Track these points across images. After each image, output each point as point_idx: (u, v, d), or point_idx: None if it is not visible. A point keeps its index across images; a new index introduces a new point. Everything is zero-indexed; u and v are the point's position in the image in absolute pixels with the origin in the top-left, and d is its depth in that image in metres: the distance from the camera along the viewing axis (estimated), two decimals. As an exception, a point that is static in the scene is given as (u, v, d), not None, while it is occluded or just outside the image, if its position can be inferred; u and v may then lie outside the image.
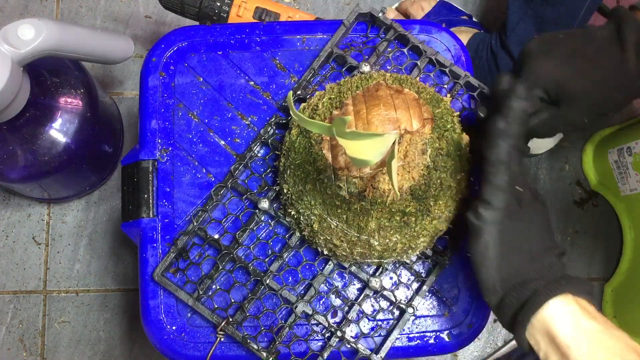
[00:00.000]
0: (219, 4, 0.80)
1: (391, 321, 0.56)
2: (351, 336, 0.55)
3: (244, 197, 0.58)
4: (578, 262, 0.96)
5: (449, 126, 0.53)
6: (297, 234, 0.56)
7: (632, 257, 0.92)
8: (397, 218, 0.51)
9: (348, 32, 0.62)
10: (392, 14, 0.99)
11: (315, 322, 0.56)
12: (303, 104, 0.57)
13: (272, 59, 0.62)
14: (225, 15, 0.80)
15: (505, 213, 0.45)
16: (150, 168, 0.59)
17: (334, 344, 0.55)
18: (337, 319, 0.56)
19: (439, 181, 0.51)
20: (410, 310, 0.55)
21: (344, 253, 0.54)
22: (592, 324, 0.42)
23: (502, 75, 0.51)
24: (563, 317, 0.42)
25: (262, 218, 0.58)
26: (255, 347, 0.54)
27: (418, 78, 0.59)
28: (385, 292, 0.56)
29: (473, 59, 0.87)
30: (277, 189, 0.57)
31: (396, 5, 1.01)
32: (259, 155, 0.59)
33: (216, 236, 0.57)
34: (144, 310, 0.57)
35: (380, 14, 0.61)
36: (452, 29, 0.84)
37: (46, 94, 0.76)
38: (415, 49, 0.61)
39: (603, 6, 0.85)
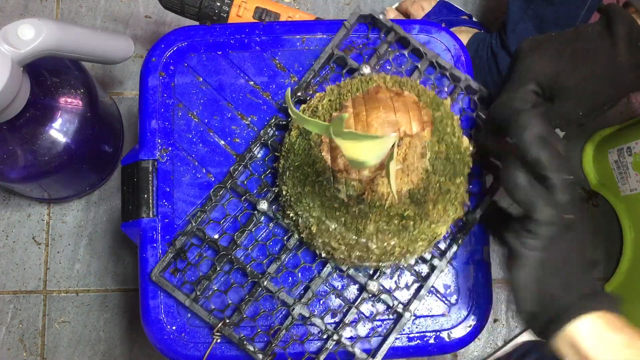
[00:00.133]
0: (219, 4, 0.80)
1: (388, 325, 0.56)
2: (348, 339, 0.55)
3: (243, 198, 0.58)
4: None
5: (448, 130, 0.53)
6: (296, 236, 0.56)
7: (632, 257, 0.92)
8: (396, 222, 0.50)
9: (349, 34, 0.62)
10: (392, 14, 0.99)
11: (312, 324, 0.56)
12: (303, 106, 0.57)
13: (272, 59, 0.62)
14: (225, 15, 0.80)
15: (550, 240, 0.45)
16: (150, 168, 0.59)
17: (330, 347, 0.55)
18: (334, 322, 0.56)
19: (437, 185, 0.51)
20: (407, 314, 0.55)
21: (342, 256, 0.53)
22: (617, 337, 0.43)
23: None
24: (589, 331, 0.44)
25: (261, 219, 0.57)
26: (252, 349, 0.54)
27: (418, 81, 0.59)
28: (382, 296, 0.56)
29: (473, 59, 0.87)
30: (276, 191, 0.57)
31: (396, 5, 1.01)
32: (259, 156, 0.59)
33: (215, 237, 0.57)
34: (144, 310, 0.57)
35: (381, 16, 0.61)
36: (452, 29, 0.84)
37: (46, 94, 0.76)
38: (416, 52, 0.61)
39: (603, 6, 0.85)
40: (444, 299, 0.58)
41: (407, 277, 0.57)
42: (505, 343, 0.93)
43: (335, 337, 0.54)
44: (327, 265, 0.56)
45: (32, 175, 0.78)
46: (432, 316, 0.57)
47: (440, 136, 0.52)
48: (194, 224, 0.56)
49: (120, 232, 0.90)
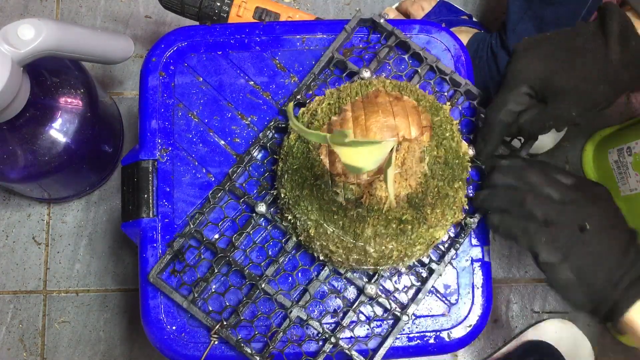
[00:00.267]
0: (219, 4, 0.80)
1: (386, 327, 0.56)
2: (345, 342, 0.55)
3: (241, 201, 0.58)
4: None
5: (447, 134, 0.53)
6: (294, 238, 0.56)
7: (632, 257, 0.92)
8: (394, 226, 0.50)
9: (349, 38, 0.62)
10: (392, 14, 0.99)
11: (309, 327, 0.56)
12: (302, 109, 0.57)
13: (272, 58, 0.62)
14: (225, 15, 0.80)
15: (570, 247, 0.49)
16: (150, 168, 0.59)
17: (328, 350, 0.55)
18: (332, 325, 0.56)
19: (436, 189, 0.51)
20: (405, 317, 0.55)
21: (339, 259, 0.53)
22: None
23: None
24: None
25: (259, 222, 0.57)
26: (249, 351, 0.54)
27: (418, 85, 0.59)
28: (380, 299, 0.56)
29: (473, 59, 0.87)
30: (274, 193, 0.57)
31: (396, 5, 1.01)
32: (258, 158, 0.59)
33: (213, 239, 0.57)
34: (144, 310, 0.57)
35: (381, 20, 0.61)
36: (452, 29, 0.84)
37: (46, 94, 0.76)
38: (416, 56, 0.61)
39: (603, 6, 0.85)
40: (444, 298, 0.58)
41: (405, 280, 0.57)
42: (505, 343, 0.94)
43: (332, 339, 0.54)
44: (325, 268, 0.56)
45: (32, 175, 0.78)
46: (432, 316, 0.57)
47: (439, 141, 0.52)
48: (192, 226, 0.56)
49: (120, 232, 0.90)
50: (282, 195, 0.55)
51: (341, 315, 0.56)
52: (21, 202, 0.95)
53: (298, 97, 0.59)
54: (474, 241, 0.59)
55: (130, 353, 0.92)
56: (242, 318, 0.55)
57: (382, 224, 0.50)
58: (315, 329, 0.55)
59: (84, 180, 0.90)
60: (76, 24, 0.98)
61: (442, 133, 0.53)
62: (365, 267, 0.54)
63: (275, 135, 0.59)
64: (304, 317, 0.55)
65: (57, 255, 0.94)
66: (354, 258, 0.53)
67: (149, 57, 0.62)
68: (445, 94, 0.61)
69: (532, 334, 0.92)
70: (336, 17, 1.03)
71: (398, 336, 0.56)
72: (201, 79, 0.61)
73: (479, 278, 0.58)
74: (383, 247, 0.51)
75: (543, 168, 0.53)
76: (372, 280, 0.56)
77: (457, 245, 0.57)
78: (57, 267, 0.93)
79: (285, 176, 0.54)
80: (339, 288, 0.57)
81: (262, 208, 0.56)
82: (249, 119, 0.61)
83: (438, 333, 0.57)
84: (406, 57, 0.61)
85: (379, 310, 0.57)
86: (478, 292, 0.58)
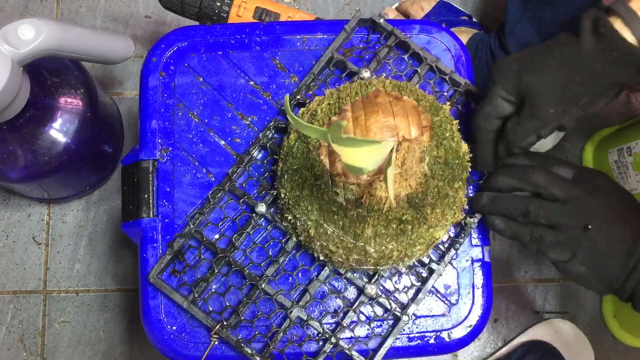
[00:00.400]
0: (219, 4, 0.80)
1: (386, 328, 0.56)
2: (345, 342, 0.55)
3: (241, 201, 0.58)
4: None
5: (447, 134, 0.53)
6: (294, 238, 0.56)
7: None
8: (394, 226, 0.50)
9: (349, 38, 0.62)
10: (392, 14, 0.99)
11: (309, 327, 0.56)
12: (302, 109, 0.57)
13: (272, 59, 0.62)
14: (225, 15, 0.80)
15: (577, 245, 0.51)
16: (151, 168, 0.59)
17: (328, 350, 0.55)
18: (332, 325, 0.56)
19: (436, 189, 0.51)
20: (405, 317, 0.55)
21: (339, 259, 0.53)
22: None
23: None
24: None
25: (259, 222, 0.57)
26: (249, 351, 0.54)
27: (418, 85, 0.59)
28: (380, 299, 0.56)
29: (472, 60, 0.87)
30: (274, 193, 0.57)
31: (396, 5, 1.01)
32: (258, 158, 0.59)
33: (214, 238, 0.57)
34: (144, 310, 0.57)
35: (381, 20, 0.61)
36: (451, 29, 0.84)
37: (46, 94, 0.76)
38: (416, 56, 0.61)
39: (603, 6, 0.85)
40: (444, 299, 0.58)
41: (406, 281, 0.57)
42: (505, 343, 0.94)
43: (333, 339, 0.54)
44: (325, 269, 0.56)
45: (32, 175, 0.78)
46: (432, 316, 0.57)
47: (439, 141, 0.52)
48: (192, 226, 0.56)
49: (120, 232, 0.90)
50: (282, 195, 0.55)
51: (341, 315, 0.56)
52: (21, 202, 0.95)
53: (298, 97, 0.59)
54: (474, 241, 0.59)
55: (130, 353, 0.92)
56: (242, 318, 0.55)
57: (382, 224, 0.50)
58: (316, 329, 0.55)
59: (84, 180, 0.90)
60: (76, 24, 0.98)
61: (442, 133, 0.53)
62: (365, 267, 0.54)
63: (275, 136, 0.59)
64: (304, 317, 0.55)
65: (57, 255, 0.94)
66: (354, 258, 0.53)
67: (149, 57, 0.62)
68: (445, 94, 0.61)
69: (532, 334, 0.92)
70: (336, 17, 1.03)
71: (398, 336, 0.56)
72: (201, 79, 0.61)
73: (479, 278, 0.58)
74: (383, 247, 0.51)
75: (544, 163, 0.54)
76: (372, 281, 0.56)
77: (457, 245, 0.57)
78: (57, 267, 0.93)
79: (285, 176, 0.54)
80: (339, 288, 0.57)
81: (262, 208, 0.56)
82: (249, 119, 0.61)
83: (438, 333, 0.57)
84: (406, 57, 0.61)
85: (379, 311, 0.57)
86: (478, 292, 0.58)
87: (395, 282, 0.57)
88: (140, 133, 0.60)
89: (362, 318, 0.56)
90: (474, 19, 1.00)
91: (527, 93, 0.50)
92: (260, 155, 0.60)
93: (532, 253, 0.96)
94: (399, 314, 0.55)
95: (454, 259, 0.58)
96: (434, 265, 0.56)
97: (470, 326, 0.57)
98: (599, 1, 0.77)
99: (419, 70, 0.60)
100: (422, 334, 0.57)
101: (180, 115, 0.61)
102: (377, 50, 0.61)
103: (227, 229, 0.58)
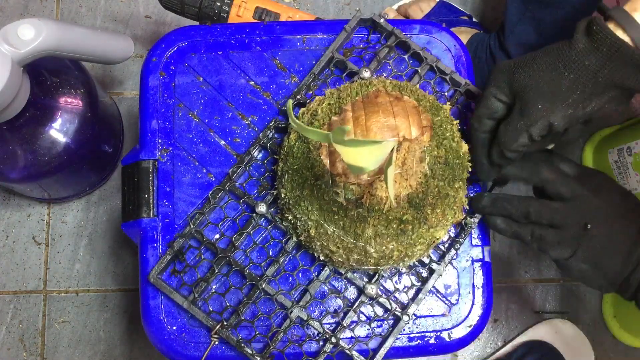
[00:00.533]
0: (219, 4, 0.80)
1: (387, 327, 0.56)
2: (346, 342, 0.55)
3: (241, 201, 0.58)
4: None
5: (448, 134, 0.53)
6: (294, 238, 0.56)
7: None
8: (394, 226, 0.50)
9: (349, 38, 0.62)
10: (392, 14, 0.99)
11: (310, 327, 0.56)
12: (302, 109, 0.57)
13: (272, 58, 0.62)
14: (225, 15, 0.80)
15: (577, 243, 0.52)
16: (151, 168, 0.59)
17: (328, 350, 0.55)
18: (332, 325, 0.56)
19: (436, 189, 0.51)
20: (405, 317, 0.55)
21: (340, 259, 0.53)
22: None
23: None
24: None
25: (260, 222, 0.57)
26: (250, 351, 0.54)
27: (418, 85, 0.59)
28: (381, 299, 0.56)
29: (472, 60, 0.87)
30: (274, 193, 0.57)
31: (396, 6, 1.01)
32: (258, 158, 0.59)
33: (214, 238, 0.57)
34: (144, 310, 0.57)
35: (381, 20, 0.61)
36: (451, 29, 0.84)
37: (46, 94, 0.76)
38: (416, 56, 0.61)
39: (603, 6, 0.85)
40: (444, 299, 0.58)
41: (406, 280, 0.57)
42: (505, 343, 0.94)
43: (333, 339, 0.54)
44: (326, 269, 0.56)
45: (32, 175, 0.78)
46: (432, 316, 0.57)
47: (440, 141, 0.52)
48: (192, 226, 0.56)
49: (120, 232, 0.90)
50: (283, 195, 0.55)
51: (342, 315, 0.56)
52: (21, 202, 0.95)
53: (298, 97, 0.59)
54: (474, 241, 0.59)
55: (130, 353, 0.92)
56: (242, 318, 0.55)
57: (383, 224, 0.50)
58: (316, 329, 0.55)
59: (84, 180, 0.90)
60: (76, 24, 0.98)
61: (442, 133, 0.53)
62: (365, 267, 0.54)
63: (276, 135, 0.59)
64: (305, 317, 0.55)
65: (57, 255, 0.94)
66: (354, 258, 0.53)
67: (149, 57, 0.62)
68: (446, 94, 0.61)
69: (532, 334, 0.92)
70: (336, 17, 1.03)
71: (398, 336, 0.56)
72: (201, 79, 0.61)
73: (479, 278, 0.58)
74: (383, 247, 0.51)
75: (548, 159, 0.55)
76: (373, 281, 0.56)
77: (458, 245, 0.57)
78: (57, 267, 0.93)
79: (286, 176, 0.54)
80: (339, 288, 0.57)
81: (262, 208, 0.56)
82: (250, 119, 0.61)
83: (438, 333, 0.57)
84: (406, 57, 0.61)
85: (379, 311, 0.57)
86: (478, 292, 0.58)
87: (396, 282, 0.57)
88: (140, 133, 0.60)
89: (363, 318, 0.56)
90: (474, 19, 1.00)
91: (518, 90, 0.50)
92: (260, 155, 0.60)
93: (534, 252, 0.96)
94: (399, 314, 0.55)
95: (454, 259, 0.58)
96: (434, 265, 0.56)
97: (470, 326, 0.57)
98: (599, 1, 0.77)
99: (419, 70, 0.60)
100: (423, 334, 0.57)
101: (180, 115, 0.61)
102: (378, 50, 0.61)
103: (228, 229, 0.58)
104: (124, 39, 0.82)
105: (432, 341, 0.57)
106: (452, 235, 0.58)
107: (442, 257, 0.57)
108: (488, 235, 0.59)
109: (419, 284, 0.57)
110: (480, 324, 0.58)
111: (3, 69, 0.63)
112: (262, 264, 0.57)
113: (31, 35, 0.64)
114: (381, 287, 0.57)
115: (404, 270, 0.57)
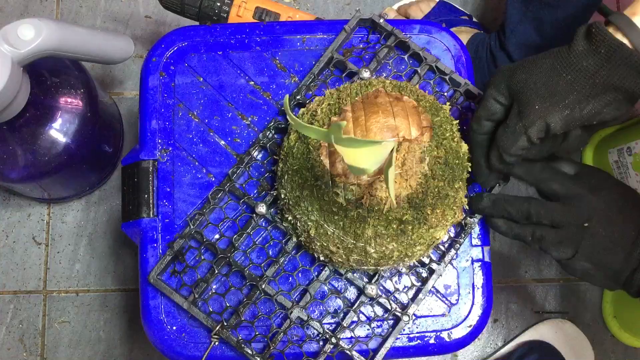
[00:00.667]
0: (219, 4, 0.80)
1: (387, 328, 0.56)
2: (346, 342, 0.55)
3: (241, 201, 0.58)
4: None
5: (447, 134, 0.53)
6: (294, 239, 0.56)
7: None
8: (394, 226, 0.50)
9: (349, 38, 0.62)
10: (392, 14, 0.99)
11: (310, 327, 0.56)
12: (302, 110, 0.57)
13: (272, 59, 0.62)
14: (225, 15, 0.80)
15: (578, 242, 0.52)
16: (151, 168, 0.59)
17: (328, 350, 0.55)
18: (332, 325, 0.56)
19: (436, 190, 0.51)
20: (405, 318, 0.55)
21: (340, 259, 0.53)
22: None
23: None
24: None
25: (259, 222, 0.57)
26: (250, 352, 0.54)
27: (418, 85, 0.59)
28: (381, 299, 0.56)
29: (472, 60, 0.87)
30: (274, 194, 0.57)
31: (396, 7, 1.01)
32: (258, 159, 0.59)
33: (214, 239, 0.57)
34: (144, 310, 0.57)
35: (381, 20, 0.61)
36: (451, 29, 0.84)
37: (46, 94, 0.76)
38: (415, 56, 0.61)
39: (603, 7, 0.85)
40: (444, 299, 0.58)
41: (406, 281, 0.57)
42: (505, 343, 0.94)
43: (333, 340, 0.54)
44: (326, 269, 0.56)
45: (32, 175, 0.78)
46: (432, 316, 0.57)
47: (439, 141, 0.52)
48: (192, 227, 0.56)
49: (120, 232, 0.90)
50: (282, 195, 0.55)
51: (342, 315, 0.56)
52: (21, 202, 0.95)
53: (298, 97, 0.59)
54: (474, 241, 0.59)
55: (130, 353, 0.92)
56: (242, 319, 0.55)
57: (383, 224, 0.50)
58: (316, 330, 0.55)
59: (84, 180, 0.90)
60: (76, 24, 0.98)
61: (442, 133, 0.53)
62: (365, 268, 0.54)
63: (276, 136, 0.59)
64: (305, 318, 0.55)
65: (57, 255, 0.94)
66: (354, 258, 0.53)
67: (149, 57, 0.62)
68: (445, 94, 0.61)
69: (532, 334, 0.92)
70: (336, 17, 1.03)
71: (398, 336, 0.56)
72: (201, 79, 0.61)
73: (479, 278, 0.58)
74: (383, 248, 0.51)
75: (548, 159, 0.55)
76: (373, 281, 0.56)
77: (457, 245, 0.57)
78: (57, 267, 0.93)
79: (286, 177, 0.54)
80: (339, 288, 0.57)
81: (262, 209, 0.56)
82: (249, 119, 0.61)
83: (438, 333, 0.57)
84: (406, 57, 0.61)
85: (379, 311, 0.57)
86: (478, 292, 0.58)
87: (396, 282, 0.57)
88: (140, 133, 0.60)
89: (363, 318, 0.56)
90: (474, 19, 1.00)
91: (516, 91, 0.50)
92: (260, 155, 0.60)
93: (535, 252, 0.96)
94: (399, 314, 0.55)
95: (454, 259, 0.58)
96: (434, 266, 0.56)
97: (470, 326, 0.57)
98: (599, 2, 0.77)
99: (418, 71, 0.60)
100: (422, 334, 0.57)
101: (180, 115, 0.61)
102: (377, 51, 0.61)
103: (227, 230, 0.58)
104: (124, 39, 0.82)
105: (432, 341, 0.57)
106: (452, 235, 0.58)
107: (442, 257, 0.57)
108: (488, 236, 0.59)
109: (419, 284, 0.57)
110: (480, 324, 0.58)
111: (3, 69, 0.63)
112: (262, 264, 0.57)
113: (31, 36, 0.64)
114: (381, 288, 0.57)
115: (404, 270, 0.57)
